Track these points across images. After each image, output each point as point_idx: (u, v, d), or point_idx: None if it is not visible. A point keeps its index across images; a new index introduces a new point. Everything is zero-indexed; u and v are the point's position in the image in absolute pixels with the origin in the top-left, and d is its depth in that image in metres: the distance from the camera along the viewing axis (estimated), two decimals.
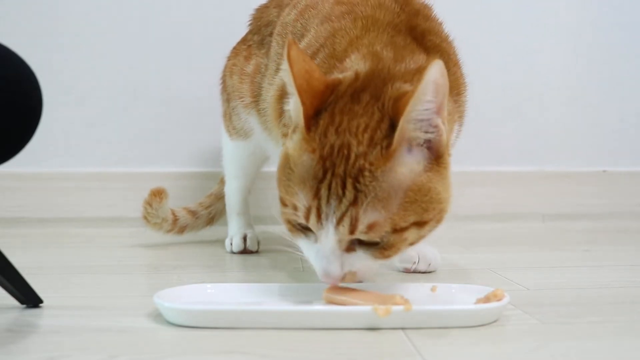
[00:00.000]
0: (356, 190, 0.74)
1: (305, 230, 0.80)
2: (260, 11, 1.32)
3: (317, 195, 0.76)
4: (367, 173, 0.74)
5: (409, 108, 0.74)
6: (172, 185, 1.48)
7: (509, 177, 1.76)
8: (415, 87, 0.73)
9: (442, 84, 0.75)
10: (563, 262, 1.24)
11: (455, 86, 0.96)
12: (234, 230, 1.35)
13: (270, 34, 1.24)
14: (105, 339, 0.74)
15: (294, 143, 0.80)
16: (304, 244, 0.82)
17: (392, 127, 0.76)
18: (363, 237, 0.76)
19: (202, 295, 0.85)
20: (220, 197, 1.42)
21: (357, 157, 0.75)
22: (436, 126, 0.77)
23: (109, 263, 1.22)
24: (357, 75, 0.82)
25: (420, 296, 0.84)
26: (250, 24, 1.34)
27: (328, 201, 0.75)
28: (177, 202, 1.44)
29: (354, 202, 0.74)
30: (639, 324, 0.81)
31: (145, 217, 1.35)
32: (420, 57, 0.89)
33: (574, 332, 0.77)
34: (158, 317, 0.79)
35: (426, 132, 0.77)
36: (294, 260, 1.22)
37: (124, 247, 1.36)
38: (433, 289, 0.87)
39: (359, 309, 0.76)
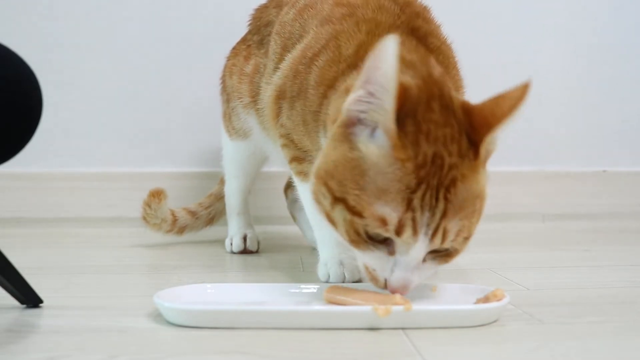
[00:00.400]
0: (446, 200, 0.74)
1: (376, 242, 0.77)
2: (260, 11, 1.32)
3: (409, 206, 0.73)
4: (459, 184, 0.75)
5: (501, 126, 0.77)
6: (172, 185, 1.48)
7: (509, 177, 1.76)
8: (510, 112, 0.80)
9: None
10: (563, 262, 1.24)
11: (455, 87, 0.96)
12: (234, 230, 1.35)
13: (270, 34, 1.24)
14: (105, 339, 0.74)
15: (375, 149, 0.74)
16: (371, 256, 0.78)
17: (467, 137, 0.77)
18: (449, 246, 0.77)
19: (202, 295, 0.85)
20: (220, 198, 1.42)
21: (450, 167, 0.74)
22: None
23: (109, 263, 1.22)
24: (421, 82, 0.79)
25: (420, 296, 0.84)
26: (249, 24, 1.34)
27: (422, 213, 0.73)
28: (177, 202, 1.44)
29: (445, 213, 0.74)
30: (639, 324, 0.81)
31: (144, 218, 1.35)
32: (433, 61, 0.89)
33: (574, 332, 0.77)
34: (158, 317, 0.79)
35: (494, 145, 0.80)
36: (294, 260, 1.22)
37: (124, 247, 1.36)
38: (433, 289, 0.88)
39: (359, 309, 0.76)
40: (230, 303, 0.84)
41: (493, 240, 1.50)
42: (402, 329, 0.75)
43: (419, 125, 0.74)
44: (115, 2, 1.64)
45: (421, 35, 0.93)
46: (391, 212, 0.73)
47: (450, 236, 0.75)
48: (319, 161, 0.81)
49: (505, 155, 1.78)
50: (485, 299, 0.80)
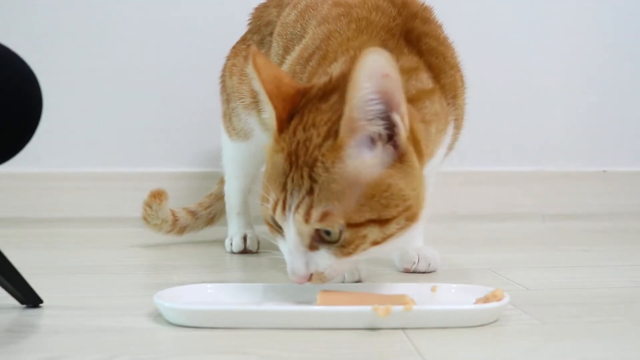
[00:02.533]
0: (311, 179, 0.76)
1: (280, 229, 0.81)
2: (260, 10, 1.32)
3: (284, 188, 0.78)
4: (319, 164, 0.76)
5: (348, 96, 0.74)
6: (172, 185, 1.48)
7: (509, 177, 1.76)
8: (351, 75, 0.73)
9: (386, 77, 0.74)
10: (563, 262, 1.24)
11: (452, 89, 0.95)
12: (234, 231, 1.35)
13: (270, 34, 1.24)
14: (105, 339, 0.74)
15: (269, 146, 0.82)
16: (280, 244, 0.83)
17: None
18: (317, 226, 0.77)
19: (202, 295, 0.85)
20: (220, 198, 1.42)
21: (314, 148, 0.77)
22: (393, 122, 0.77)
23: (109, 263, 1.22)
24: (330, 78, 0.82)
25: (420, 296, 0.84)
26: (249, 23, 1.34)
27: (292, 193, 0.77)
28: (177, 202, 1.44)
29: (310, 192, 0.76)
30: (639, 324, 0.81)
31: (145, 219, 1.35)
32: (409, 59, 0.89)
33: (574, 332, 0.77)
34: (158, 317, 0.79)
35: (380, 126, 0.77)
36: None
37: (124, 247, 1.36)
38: (433, 289, 0.88)
39: (359, 309, 0.76)
40: (230, 303, 0.84)
41: (493, 240, 1.50)
42: (402, 329, 0.75)
43: (302, 118, 0.79)
44: (115, 2, 1.64)
45: (414, 37, 0.93)
46: (272, 194, 0.79)
47: (314, 214, 0.76)
48: None
49: (505, 155, 1.78)
50: (485, 299, 0.80)
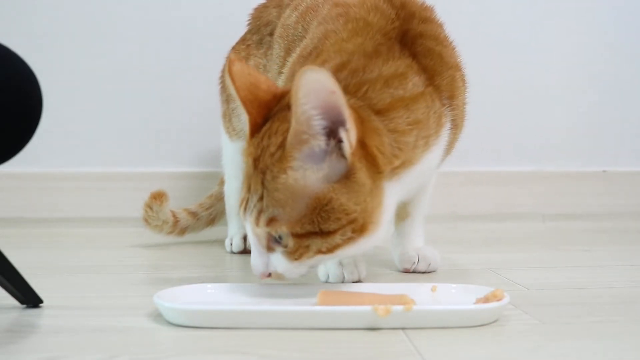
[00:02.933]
0: (263, 186, 0.80)
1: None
2: (260, 11, 1.32)
3: (248, 190, 0.83)
4: (268, 172, 0.80)
5: (293, 110, 0.75)
6: (172, 185, 1.48)
7: (509, 177, 1.76)
8: (292, 92, 0.75)
9: (330, 94, 0.75)
10: (563, 262, 1.24)
11: (449, 89, 0.94)
12: (233, 231, 1.35)
13: (270, 34, 1.24)
14: (105, 339, 0.74)
15: (244, 148, 0.85)
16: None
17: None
18: (266, 230, 0.81)
19: (202, 295, 0.86)
20: (220, 198, 1.42)
21: (268, 156, 0.80)
22: (336, 138, 0.78)
23: (109, 263, 1.22)
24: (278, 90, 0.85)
25: (420, 296, 0.84)
26: (249, 24, 1.34)
27: (252, 195, 0.82)
28: (177, 202, 1.44)
29: (261, 198, 0.80)
30: (639, 324, 0.81)
31: (145, 220, 1.35)
32: (396, 64, 0.89)
33: (574, 332, 0.77)
34: (158, 317, 0.79)
35: (322, 141, 0.78)
36: None
37: (124, 247, 1.36)
38: (433, 289, 0.88)
39: (359, 309, 0.76)
40: (230, 303, 0.84)
41: (493, 240, 1.50)
42: (402, 329, 0.75)
43: (272, 124, 0.82)
44: (115, 2, 1.64)
45: (410, 38, 0.92)
46: (242, 192, 0.84)
47: (262, 218, 0.80)
48: None
49: (505, 155, 1.78)
50: (485, 300, 0.80)
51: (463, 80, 0.99)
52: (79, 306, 0.87)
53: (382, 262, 1.15)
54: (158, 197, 1.33)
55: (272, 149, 0.80)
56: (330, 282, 0.98)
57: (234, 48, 1.35)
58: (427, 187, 1.09)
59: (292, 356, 0.68)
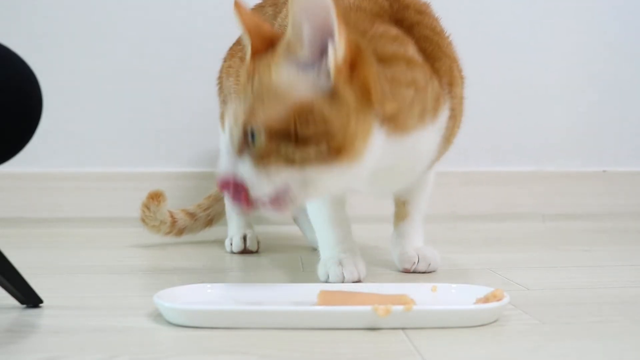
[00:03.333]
0: (252, 87, 0.82)
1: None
2: (256, 10, 1.32)
3: (239, 100, 0.84)
4: (257, 73, 0.83)
5: (288, 19, 0.80)
6: (171, 186, 1.48)
7: (509, 176, 1.76)
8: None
9: (318, 10, 0.78)
10: (563, 262, 1.24)
11: (447, 75, 0.94)
12: (233, 230, 1.35)
13: None
14: (105, 339, 0.74)
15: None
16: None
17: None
18: (242, 123, 0.81)
19: (202, 295, 0.85)
20: (219, 199, 1.42)
21: (260, 61, 0.83)
22: (322, 50, 0.80)
23: (109, 263, 1.22)
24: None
25: (420, 296, 0.84)
26: None
27: (240, 102, 0.83)
28: (176, 202, 1.45)
29: (247, 98, 0.82)
30: (639, 324, 0.81)
31: (143, 220, 1.35)
32: (399, 32, 0.90)
33: (574, 332, 0.77)
34: (158, 317, 0.79)
35: (310, 52, 0.81)
36: (294, 260, 1.22)
37: (124, 247, 1.36)
38: (433, 289, 0.87)
39: (359, 309, 0.76)
40: (230, 303, 0.84)
41: (493, 240, 1.50)
42: (402, 329, 0.75)
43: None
44: (115, 2, 1.64)
45: (406, 27, 0.93)
46: (233, 105, 0.85)
47: (241, 113, 0.82)
48: None
49: (505, 155, 1.78)
50: (485, 299, 0.80)
51: (460, 73, 0.99)
52: (79, 306, 0.87)
53: (382, 262, 1.15)
54: (155, 197, 1.33)
55: (266, 57, 0.83)
56: (330, 282, 0.98)
57: (231, 49, 1.35)
58: (425, 184, 1.09)
59: (292, 356, 0.68)
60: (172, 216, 1.38)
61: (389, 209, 1.15)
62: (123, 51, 1.65)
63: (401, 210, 1.11)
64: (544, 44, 1.79)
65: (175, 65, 1.66)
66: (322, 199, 1.03)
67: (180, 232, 1.39)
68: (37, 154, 1.59)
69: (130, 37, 1.65)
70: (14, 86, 0.76)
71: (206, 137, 1.65)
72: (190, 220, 1.41)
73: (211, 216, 1.43)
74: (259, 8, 1.32)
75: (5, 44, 0.78)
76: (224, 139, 1.29)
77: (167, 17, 1.66)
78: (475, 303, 0.80)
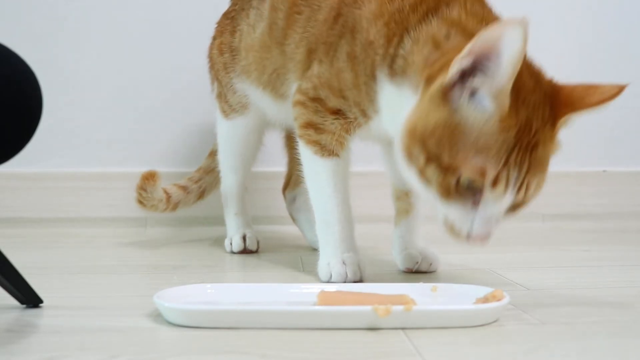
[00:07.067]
0: (530, 159, 0.84)
1: (464, 195, 0.83)
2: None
3: (507, 163, 0.81)
4: (540, 146, 0.85)
5: (583, 111, 0.94)
6: None
7: None
8: (598, 103, 0.96)
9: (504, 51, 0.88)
10: (563, 262, 1.24)
11: None
12: (233, 230, 1.34)
13: (249, 2, 1.23)
14: (105, 339, 0.74)
15: (478, 113, 0.82)
16: (456, 209, 0.85)
17: (550, 107, 0.88)
18: (527, 200, 0.87)
19: (202, 295, 0.85)
20: (209, 171, 1.43)
21: (536, 131, 0.84)
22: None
23: (109, 263, 1.22)
24: None
25: (420, 296, 0.84)
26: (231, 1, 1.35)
27: (514, 169, 0.82)
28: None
29: (529, 171, 0.84)
30: (639, 324, 0.81)
31: (140, 202, 1.36)
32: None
33: (574, 332, 0.77)
34: (158, 317, 0.79)
35: (565, 125, 0.91)
36: (294, 260, 1.22)
37: (124, 247, 1.36)
38: (433, 289, 0.88)
39: (359, 309, 0.76)
40: (230, 303, 0.84)
41: (493, 240, 1.50)
42: (402, 329, 0.75)
43: (517, 93, 0.83)
44: (115, 2, 1.64)
45: None
46: (491, 167, 0.81)
47: (530, 191, 0.85)
48: (412, 121, 0.85)
49: None
50: (485, 300, 0.80)
51: None
52: (79, 306, 0.87)
53: (382, 262, 1.15)
54: (150, 177, 1.34)
55: (538, 124, 0.87)
56: (332, 282, 0.98)
57: (219, 24, 1.35)
58: None
59: (292, 356, 0.68)
60: (165, 192, 1.39)
61: (389, 208, 1.15)
62: (123, 51, 1.65)
63: (404, 203, 1.11)
64: (543, 44, 1.78)
65: (175, 65, 1.66)
66: (332, 196, 1.02)
67: (175, 206, 1.40)
68: (37, 154, 1.59)
69: (131, 37, 1.65)
70: (14, 86, 0.76)
71: (206, 137, 1.64)
72: (183, 193, 1.41)
73: (202, 188, 1.44)
74: None
75: (5, 44, 0.78)
76: (225, 125, 1.30)
77: (167, 17, 1.66)
78: (475, 303, 0.80)
